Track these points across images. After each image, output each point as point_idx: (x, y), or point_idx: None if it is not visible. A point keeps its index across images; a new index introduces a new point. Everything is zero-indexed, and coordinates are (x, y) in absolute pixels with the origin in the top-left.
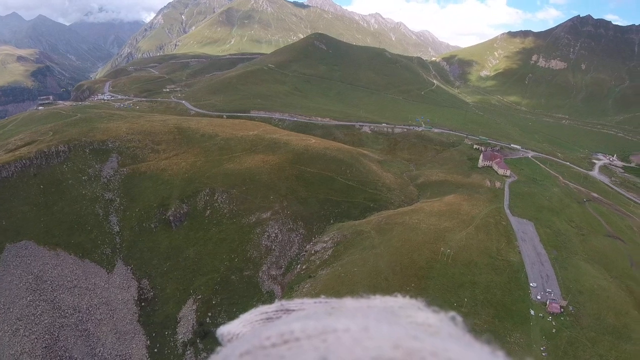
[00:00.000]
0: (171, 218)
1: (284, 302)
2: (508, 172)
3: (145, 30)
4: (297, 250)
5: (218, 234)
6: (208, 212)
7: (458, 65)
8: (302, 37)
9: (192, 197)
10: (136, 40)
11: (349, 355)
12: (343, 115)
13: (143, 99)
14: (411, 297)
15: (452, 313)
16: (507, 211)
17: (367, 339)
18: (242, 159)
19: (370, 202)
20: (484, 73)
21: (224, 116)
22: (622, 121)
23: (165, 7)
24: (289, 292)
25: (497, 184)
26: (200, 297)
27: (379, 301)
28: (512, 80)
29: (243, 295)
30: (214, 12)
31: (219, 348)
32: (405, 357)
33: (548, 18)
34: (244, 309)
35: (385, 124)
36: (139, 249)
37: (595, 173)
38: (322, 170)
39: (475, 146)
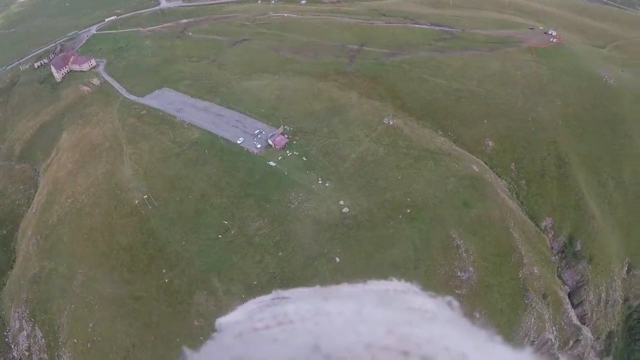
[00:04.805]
0: None
1: (280, 290)
2: (93, 62)
3: None
4: None
5: None
6: None
7: None
8: None
9: None
10: None
11: (341, 341)
12: None
13: None
14: (406, 280)
15: (449, 298)
16: (133, 98)
17: (360, 323)
18: None
19: None
20: None
21: None
22: None
23: None
24: None
25: (96, 81)
26: None
27: (374, 285)
28: None
29: None
30: None
31: (214, 334)
32: (399, 343)
33: None
34: None
35: None
36: None
37: (165, 3)
38: None
39: (36, 64)
